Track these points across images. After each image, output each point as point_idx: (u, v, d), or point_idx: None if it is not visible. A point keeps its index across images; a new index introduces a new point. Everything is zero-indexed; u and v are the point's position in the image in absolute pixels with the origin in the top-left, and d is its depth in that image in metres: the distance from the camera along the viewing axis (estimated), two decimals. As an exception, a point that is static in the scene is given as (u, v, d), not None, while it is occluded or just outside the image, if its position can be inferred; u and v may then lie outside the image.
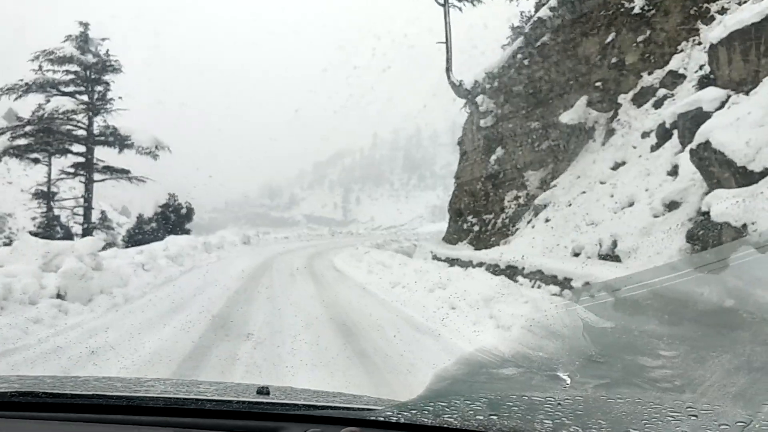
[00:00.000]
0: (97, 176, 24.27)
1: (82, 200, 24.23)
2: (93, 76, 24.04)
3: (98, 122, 24.11)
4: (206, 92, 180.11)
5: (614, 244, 10.19)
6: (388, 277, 11.66)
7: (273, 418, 1.43)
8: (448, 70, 21.20)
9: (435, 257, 17.44)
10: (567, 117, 16.08)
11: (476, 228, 18.98)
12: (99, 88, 24.39)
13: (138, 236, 26.08)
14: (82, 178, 24.18)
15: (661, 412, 1.34)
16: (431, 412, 1.36)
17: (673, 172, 10.11)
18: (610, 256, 10.21)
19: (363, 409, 1.51)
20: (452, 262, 15.42)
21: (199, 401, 1.51)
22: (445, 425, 1.30)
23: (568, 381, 1.72)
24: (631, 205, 11.06)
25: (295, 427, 1.37)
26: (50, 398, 1.47)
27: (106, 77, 24.36)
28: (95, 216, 25.49)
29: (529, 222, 15.84)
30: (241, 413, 1.45)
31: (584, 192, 14.48)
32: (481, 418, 1.32)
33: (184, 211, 28.16)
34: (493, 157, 18.55)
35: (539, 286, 10.65)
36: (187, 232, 28.33)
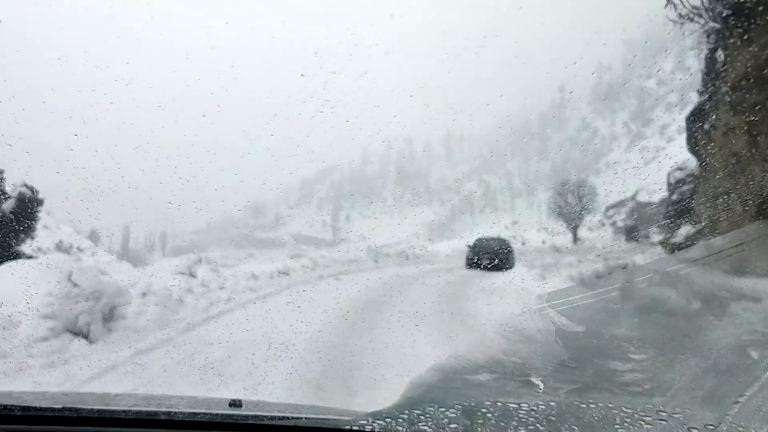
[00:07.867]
0: None
1: None
2: None
3: None
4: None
5: None
6: None
7: (244, 429, 1.41)
8: None
9: None
10: None
11: None
12: None
13: None
14: None
15: (632, 416, 1.42)
16: (406, 420, 1.39)
17: None
18: None
19: (335, 419, 1.46)
20: None
21: (169, 413, 1.48)
22: None
23: (542, 386, 1.95)
24: None
25: None
26: (20, 411, 1.47)
27: None
28: None
29: None
30: (212, 424, 1.43)
31: None
32: (456, 425, 1.35)
33: (7, 204, 14.45)
34: None
35: None
36: (17, 255, 12.66)
